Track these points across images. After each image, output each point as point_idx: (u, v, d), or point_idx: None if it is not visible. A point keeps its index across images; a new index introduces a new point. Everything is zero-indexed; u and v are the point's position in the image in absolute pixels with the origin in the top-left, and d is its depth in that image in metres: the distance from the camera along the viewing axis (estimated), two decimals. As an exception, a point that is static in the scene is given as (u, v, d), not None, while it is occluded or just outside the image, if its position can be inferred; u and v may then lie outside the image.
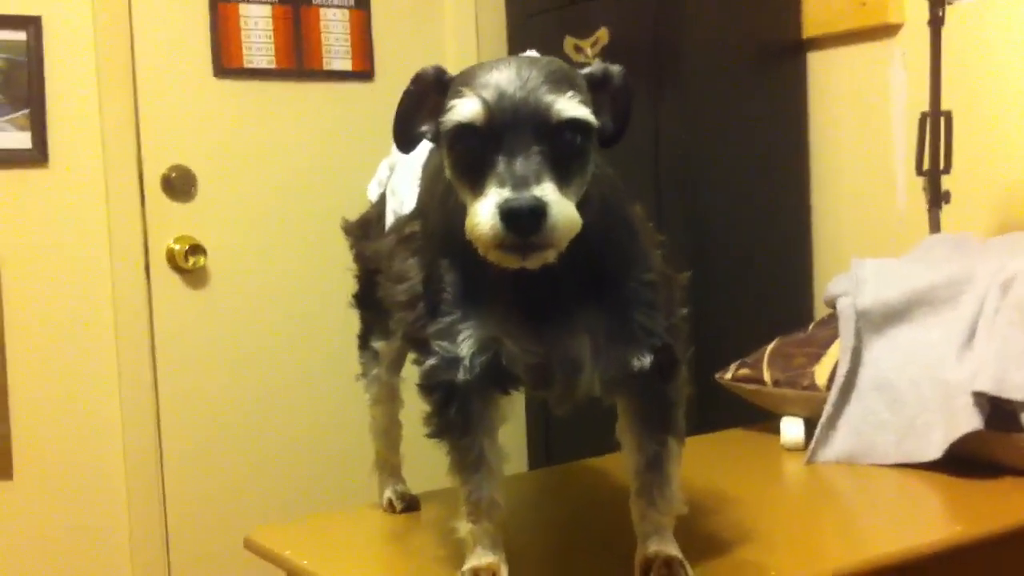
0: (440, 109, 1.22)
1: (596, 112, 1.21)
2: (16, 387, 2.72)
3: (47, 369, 2.76)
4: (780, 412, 2.05)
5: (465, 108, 1.16)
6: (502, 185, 1.11)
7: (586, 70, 1.25)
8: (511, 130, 1.14)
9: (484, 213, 1.11)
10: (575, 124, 1.15)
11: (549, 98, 1.15)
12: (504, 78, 1.16)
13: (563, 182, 1.14)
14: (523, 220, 1.10)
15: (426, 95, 1.26)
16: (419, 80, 1.27)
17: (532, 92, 1.15)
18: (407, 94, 1.28)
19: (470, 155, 1.17)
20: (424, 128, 1.27)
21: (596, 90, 1.24)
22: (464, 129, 1.16)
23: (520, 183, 1.10)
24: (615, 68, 1.26)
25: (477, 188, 1.15)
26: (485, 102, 1.15)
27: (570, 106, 1.15)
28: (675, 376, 1.36)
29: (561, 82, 1.17)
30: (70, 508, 2.79)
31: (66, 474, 2.78)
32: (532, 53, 1.41)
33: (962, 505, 1.69)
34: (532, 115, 1.14)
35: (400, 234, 1.51)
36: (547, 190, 1.11)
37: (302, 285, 3.05)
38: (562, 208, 1.12)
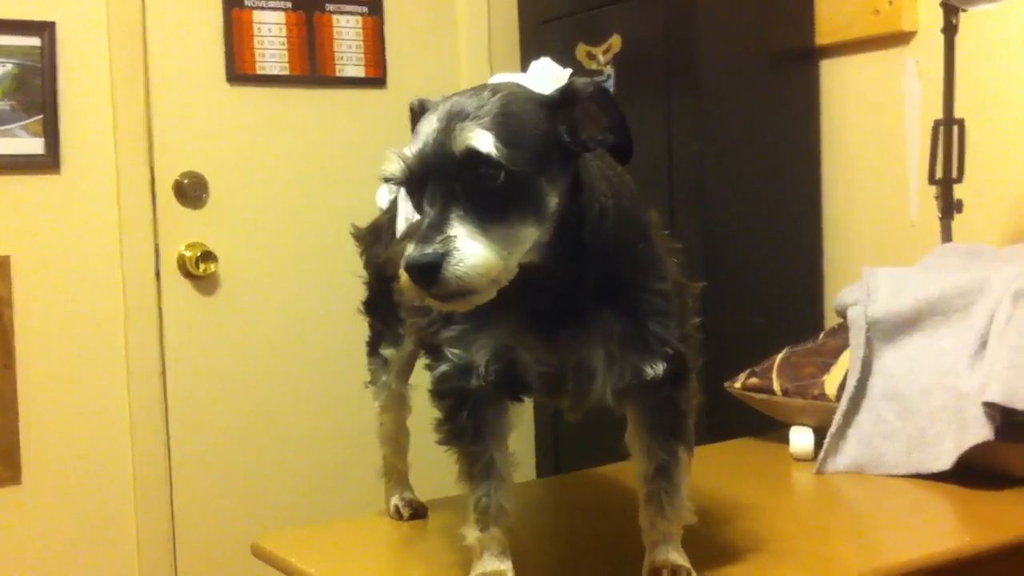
0: None
1: (576, 131, 1.20)
2: (26, 392, 2.73)
3: (57, 375, 2.77)
4: (789, 422, 2.04)
5: (388, 166, 1.19)
6: (413, 238, 1.14)
7: (547, 94, 1.23)
8: (432, 176, 1.16)
9: (401, 267, 1.14)
10: (480, 158, 1.13)
11: (457, 136, 1.14)
12: (433, 120, 1.18)
13: (491, 222, 1.14)
14: (418, 276, 1.11)
15: None
16: (412, 112, 1.31)
17: (448, 133, 1.15)
18: (412, 123, 1.30)
19: (412, 200, 1.20)
20: None
21: (566, 110, 1.21)
22: (394, 183, 1.21)
23: (424, 236, 1.12)
24: (581, 82, 1.23)
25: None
26: (403, 159, 1.17)
27: (477, 140, 1.14)
28: (686, 385, 1.36)
29: (487, 116, 1.16)
30: (78, 513, 2.79)
31: (74, 479, 2.79)
32: (546, 61, 1.40)
33: (972, 516, 1.69)
34: (442, 156, 1.15)
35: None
36: (451, 239, 1.12)
37: (312, 292, 3.06)
38: (466, 257, 1.11)
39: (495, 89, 1.21)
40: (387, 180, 1.20)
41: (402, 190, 1.66)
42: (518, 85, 1.25)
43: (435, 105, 1.21)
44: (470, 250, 1.12)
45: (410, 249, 1.12)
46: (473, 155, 1.14)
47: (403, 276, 1.13)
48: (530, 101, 1.21)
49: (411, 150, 1.18)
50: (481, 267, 1.12)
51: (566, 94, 1.22)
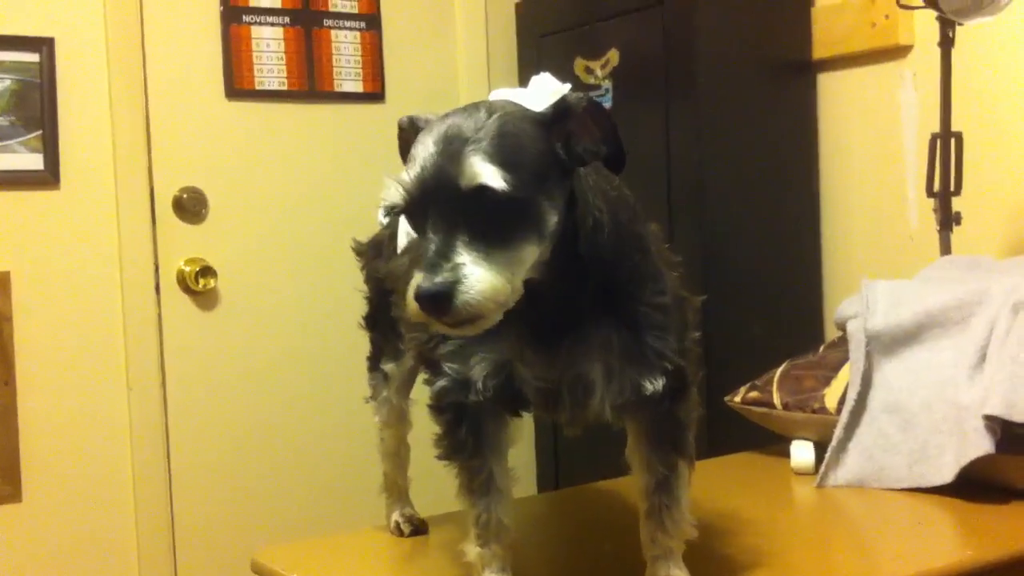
0: None
1: (571, 144, 1.20)
2: (25, 409, 2.73)
3: (56, 391, 2.77)
4: (790, 435, 2.04)
5: (388, 194, 1.18)
6: (419, 266, 1.14)
7: (540, 111, 1.22)
8: (432, 203, 1.15)
9: (409, 295, 1.14)
10: (487, 190, 1.13)
11: (461, 165, 1.14)
12: (431, 143, 1.17)
13: (496, 246, 1.14)
14: (430, 305, 1.12)
15: (409, 144, 1.26)
16: (400, 130, 1.31)
17: (450, 159, 1.15)
18: (398, 143, 1.31)
19: (412, 226, 1.21)
20: None
21: (558, 126, 1.21)
22: (395, 212, 1.20)
23: (431, 264, 1.12)
24: (573, 96, 1.23)
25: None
26: (403, 185, 1.17)
27: (483, 172, 1.13)
28: (686, 399, 1.35)
29: (486, 140, 1.15)
30: (79, 529, 2.79)
31: (75, 495, 2.78)
32: (546, 76, 1.40)
33: (973, 529, 1.68)
34: (446, 184, 1.14)
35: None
36: (459, 267, 1.12)
37: (312, 307, 3.05)
38: (475, 283, 1.12)
39: (490, 109, 1.20)
40: (388, 209, 1.19)
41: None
42: (512, 103, 1.24)
43: (429, 125, 1.21)
44: (478, 277, 1.12)
45: (418, 278, 1.12)
46: (480, 189, 1.13)
47: (411, 304, 1.13)
48: (526, 120, 1.21)
49: (409, 176, 1.17)
50: (489, 292, 1.13)
51: (559, 110, 1.22)
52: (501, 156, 1.15)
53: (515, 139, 1.18)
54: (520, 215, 1.16)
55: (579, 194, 1.25)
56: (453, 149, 1.15)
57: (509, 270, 1.15)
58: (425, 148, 1.17)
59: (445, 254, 1.12)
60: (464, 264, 1.12)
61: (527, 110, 1.23)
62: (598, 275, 1.28)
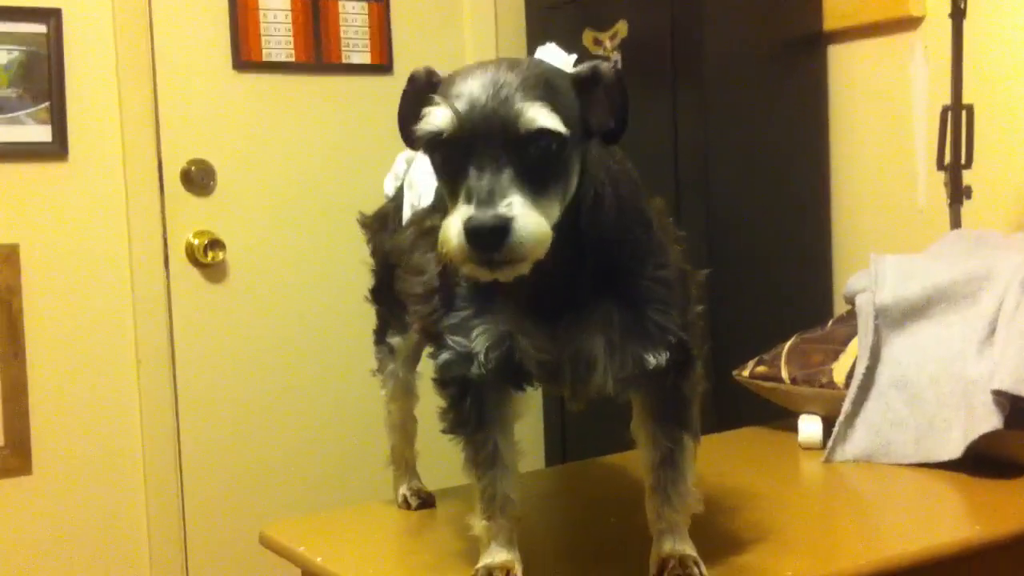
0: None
1: (588, 112, 1.21)
2: (35, 382, 2.74)
3: (66, 364, 2.78)
4: (798, 410, 2.04)
5: (435, 118, 1.16)
6: (469, 200, 1.12)
7: (574, 70, 1.23)
8: (481, 141, 1.13)
9: (451, 230, 1.12)
10: (545, 134, 1.14)
11: (519, 107, 1.13)
12: (478, 86, 1.15)
13: (537, 193, 1.14)
14: (485, 238, 1.10)
15: (421, 96, 1.24)
16: (413, 81, 1.27)
17: (503, 102, 1.13)
18: (404, 95, 1.28)
19: (445, 164, 1.18)
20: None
21: (586, 90, 1.22)
22: (435, 139, 1.17)
23: (486, 199, 1.11)
24: (605, 66, 1.23)
25: (452, 197, 1.16)
26: (455, 113, 1.14)
27: (540, 116, 1.13)
28: (690, 373, 1.35)
29: (536, 89, 1.15)
30: (88, 502, 2.80)
31: (84, 468, 2.80)
32: (552, 46, 1.40)
33: (981, 505, 1.68)
34: (501, 126, 1.13)
35: (420, 227, 1.51)
36: (513, 205, 1.11)
37: (320, 280, 3.05)
38: (528, 223, 1.11)
39: (527, 61, 1.20)
40: (430, 134, 1.16)
41: (408, 177, 1.67)
42: (543, 60, 1.24)
43: (464, 73, 1.18)
44: (532, 217, 1.12)
45: (467, 211, 1.11)
46: (538, 132, 1.13)
47: (454, 239, 1.12)
48: (564, 77, 1.22)
49: (458, 105, 1.14)
50: (540, 235, 1.12)
51: (593, 75, 1.22)
52: (553, 104, 1.15)
53: (561, 95, 1.18)
54: (561, 166, 1.17)
55: (583, 165, 1.24)
56: (505, 93, 1.14)
57: (548, 218, 1.15)
58: (470, 89, 1.15)
59: (498, 191, 1.11)
60: (516, 202, 1.11)
61: (561, 69, 1.23)
62: (599, 249, 1.27)
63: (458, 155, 1.15)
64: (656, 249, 1.33)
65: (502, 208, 1.10)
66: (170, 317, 2.89)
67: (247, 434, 2.99)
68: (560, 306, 1.29)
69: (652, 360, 1.29)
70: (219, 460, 2.95)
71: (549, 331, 1.30)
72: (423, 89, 1.24)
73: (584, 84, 1.22)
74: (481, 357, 1.30)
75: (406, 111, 1.27)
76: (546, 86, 1.17)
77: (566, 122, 1.16)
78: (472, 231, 1.10)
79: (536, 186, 1.14)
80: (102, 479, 2.82)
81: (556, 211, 1.17)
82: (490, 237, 1.10)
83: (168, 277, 2.89)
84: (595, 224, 1.25)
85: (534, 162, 1.14)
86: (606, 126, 1.23)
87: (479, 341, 1.30)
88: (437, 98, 1.17)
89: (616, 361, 1.30)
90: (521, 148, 1.13)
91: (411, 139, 1.28)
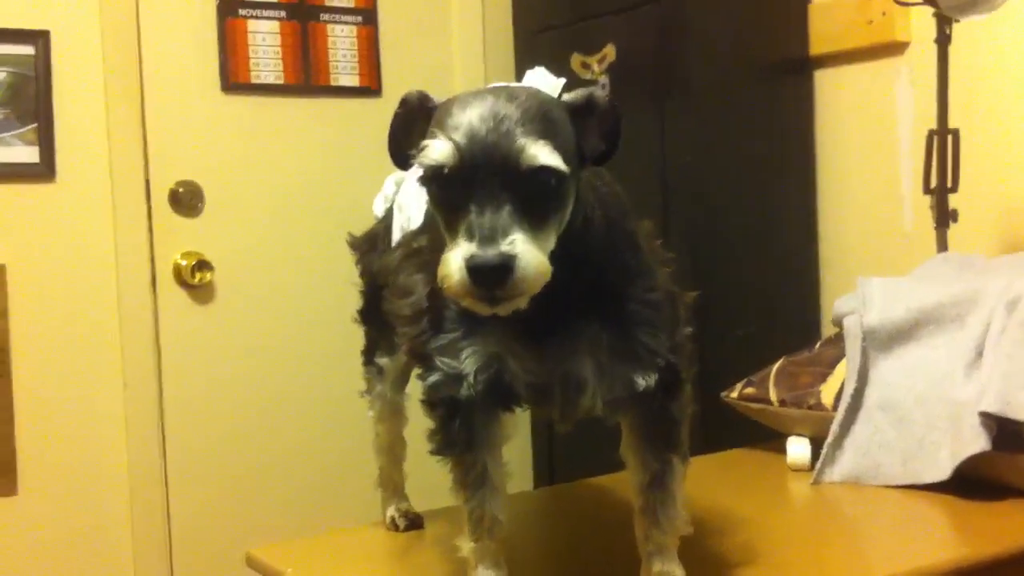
0: (425, 135, 1.21)
1: (582, 139, 1.21)
2: (21, 402, 2.72)
3: (52, 385, 2.76)
4: (786, 432, 2.04)
5: (436, 152, 1.15)
6: (470, 237, 1.12)
7: (569, 98, 1.23)
8: (481, 176, 1.13)
9: (453, 266, 1.12)
10: (547, 170, 1.14)
11: (520, 143, 1.13)
12: (477, 117, 1.14)
13: (536, 227, 1.14)
14: (488, 276, 1.11)
15: (413, 119, 1.25)
16: (405, 104, 1.27)
17: (504, 135, 1.13)
18: (396, 117, 1.28)
19: (443, 196, 1.18)
20: (413, 152, 1.24)
21: (581, 118, 1.22)
22: (436, 172, 1.16)
23: (487, 237, 1.11)
24: (600, 94, 1.23)
25: (451, 230, 1.16)
26: (456, 146, 1.14)
27: (541, 153, 1.13)
28: (678, 395, 1.35)
29: (536, 122, 1.15)
30: (74, 523, 2.78)
31: (70, 489, 2.78)
32: (541, 70, 1.40)
33: (969, 527, 1.68)
34: (502, 161, 1.13)
35: (407, 249, 1.52)
36: (516, 243, 1.11)
37: (308, 301, 3.05)
38: (530, 260, 1.12)
39: (526, 91, 1.20)
40: (431, 168, 1.16)
41: (397, 199, 1.68)
42: (538, 89, 1.24)
43: (461, 101, 1.18)
44: (532, 254, 1.12)
45: (468, 248, 1.11)
46: (539, 169, 1.13)
47: (455, 275, 1.12)
48: (560, 107, 1.22)
49: (459, 139, 1.14)
50: (541, 271, 1.13)
51: (587, 103, 1.23)
52: (553, 139, 1.15)
53: (560, 124, 1.19)
54: (560, 200, 1.18)
55: (577, 192, 1.24)
56: (506, 127, 1.14)
57: (546, 250, 1.15)
58: (469, 121, 1.15)
59: (500, 227, 1.11)
60: (518, 240, 1.12)
61: (555, 97, 1.23)
62: (588, 272, 1.28)
63: (458, 189, 1.15)
64: (645, 271, 1.34)
65: (504, 246, 1.11)
66: (157, 338, 2.88)
67: (234, 455, 2.97)
68: (549, 328, 1.29)
69: (641, 382, 1.30)
70: (205, 482, 2.94)
71: (538, 353, 1.30)
72: (415, 113, 1.25)
73: (579, 112, 1.22)
74: (470, 379, 1.30)
75: (397, 133, 1.27)
76: (545, 119, 1.16)
77: (565, 156, 1.16)
78: (475, 269, 1.10)
79: (536, 220, 1.14)
80: (88, 500, 2.80)
81: (553, 242, 1.18)
82: (493, 275, 1.11)
83: (155, 298, 2.88)
84: (585, 246, 1.26)
85: (534, 197, 1.14)
86: (597, 150, 1.24)
87: (468, 363, 1.30)
88: (436, 130, 1.17)
89: (605, 383, 1.30)
90: (522, 183, 1.13)
91: (401, 161, 1.29)
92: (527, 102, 1.17)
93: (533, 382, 1.32)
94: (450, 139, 1.15)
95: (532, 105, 1.17)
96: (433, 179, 1.17)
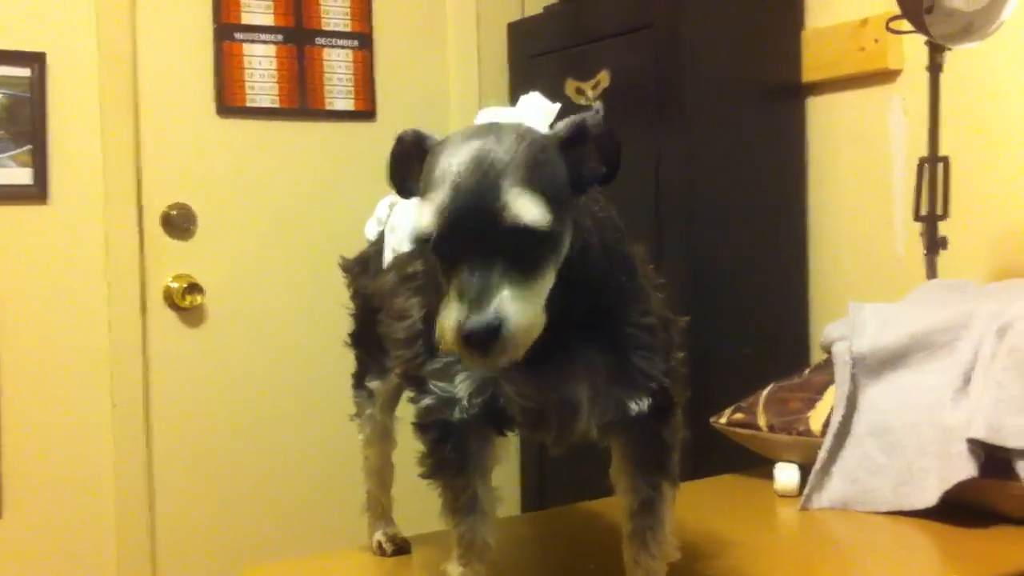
0: (420, 175, 1.21)
1: (579, 167, 1.20)
2: (9, 424, 2.72)
3: (41, 406, 2.76)
4: (775, 457, 2.04)
5: (422, 221, 1.15)
6: (461, 298, 1.11)
7: (559, 130, 1.22)
8: (467, 237, 1.12)
9: (446, 326, 1.12)
10: (531, 230, 1.13)
11: (504, 200, 1.12)
12: (462, 169, 1.13)
13: (528, 278, 1.14)
14: (479, 340, 1.10)
15: (408, 158, 1.25)
16: (400, 143, 1.27)
17: (489, 190, 1.12)
18: (392, 156, 1.27)
19: (436, 259, 1.18)
20: (413, 188, 1.25)
21: (574, 147, 1.21)
22: (424, 239, 1.16)
23: (475, 300, 1.10)
24: (592, 119, 1.22)
25: (447, 285, 1.15)
26: (440, 213, 1.13)
27: (525, 211, 1.12)
28: (671, 419, 1.35)
29: (522, 168, 1.14)
30: (60, 546, 2.77)
31: (57, 512, 2.77)
32: (535, 95, 1.40)
33: (957, 553, 1.68)
34: (487, 220, 1.12)
35: (402, 272, 1.51)
36: (503, 302, 1.11)
37: (298, 325, 3.05)
38: (520, 320, 1.11)
39: (515, 132, 1.18)
40: (419, 239, 1.16)
41: (390, 221, 1.68)
42: (528, 127, 1.22)
43: (451, 146, 1.17)
44: (522, 311, 1.12)
45: (459, 313, 1.11)
46: (523, 228, 1.12)
47: (449, 336, 1.12)
48: (548, 145, 1.20)
49: (442, 203, 1.13)
50: (533, 326, 1.13)
51: (578, 132, 1.21)
52: (540, 190, 1.14)
53: (548, 168, 1.17)
54: (551, 247, 1.17)
55: (575, 221, 1.24)
56: (489, 180, 1.12)
57: (539, 300, 1.15)
58: (455, 174, 1.14)
59: (488, 289, 1.11)
60: (507, 299, 1.11)
61: (545, 133, 1.22)
62: (585, 296, 1.28)
63: (446, 251, 1.15)
64: (640, 295, 1.34)
65: (491, 312, 1.10)
66: (146, 361, 2.88)
67: (222, 479, 2.97)
68: (544, 351, 1.28)
69: (634, 406, 1.30)
70: (193, 505, 2.93)
71: (533, 376, 1.30)
72: (410, 151, 1.24)
73: (571, 143, 1.21)
74: (464, 402, 1.30)
75: (394, 170, 1.27)
76: (532, 163, 1.15)
77: (555, 197, 1.15)
78: (467, 336, 1.10)
79: (527, 271, 1.14)
80: (74, 523, 2.79)
81: (549, 283, 1.17)
82: (483, 338, 1.10)
83: (145, 321, 2.88)
84: (582, 271, 1.25)
85: (523, 250, 1.13)
86: (598, 173, 1.23)
87: (463, 386, 1.31)
88: (424, 185, 1.17)
89: (598, 407, 1.30)
90: (509, 240, 1.12)
91: (403, 193, 1.28)
92: (516, 145, 1.15)
93: (528, 406, 1.32)
94: (433, 205, 1.14)
95: (519, 149, 1.15)
96: (423, 244, 1.18)
